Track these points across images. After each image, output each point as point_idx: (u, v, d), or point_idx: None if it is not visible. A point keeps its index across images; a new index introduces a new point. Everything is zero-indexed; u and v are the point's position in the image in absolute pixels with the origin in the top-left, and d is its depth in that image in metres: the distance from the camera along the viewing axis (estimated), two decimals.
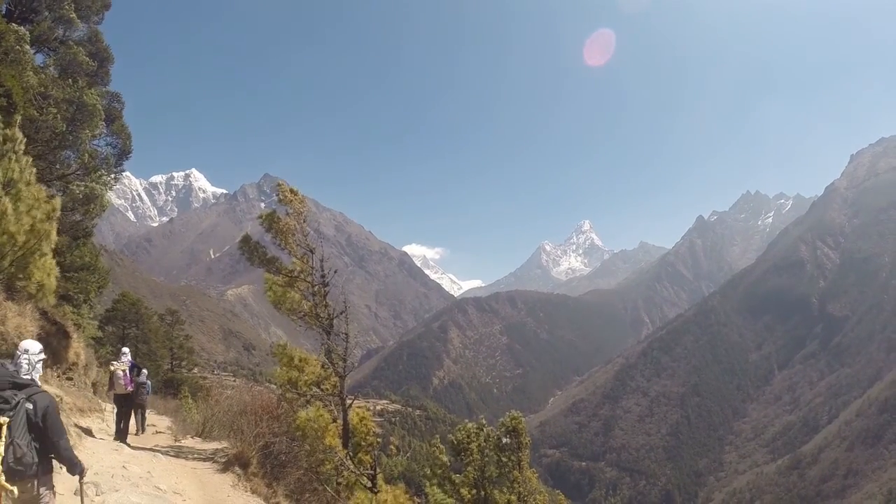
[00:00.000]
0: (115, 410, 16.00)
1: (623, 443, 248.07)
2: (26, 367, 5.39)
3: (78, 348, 17.56)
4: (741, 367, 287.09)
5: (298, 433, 14.25)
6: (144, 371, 17.57)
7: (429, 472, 20.53)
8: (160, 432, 19.27)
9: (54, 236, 12.82)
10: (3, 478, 4.75)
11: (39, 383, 5.41)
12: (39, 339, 12.76)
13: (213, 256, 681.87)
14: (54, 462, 5.29)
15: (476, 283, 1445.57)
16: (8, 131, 12.06)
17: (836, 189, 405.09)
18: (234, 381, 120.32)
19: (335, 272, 16.02)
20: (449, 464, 20.26)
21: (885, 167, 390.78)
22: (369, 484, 15.03)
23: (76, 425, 12.97)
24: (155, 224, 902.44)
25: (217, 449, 15.74)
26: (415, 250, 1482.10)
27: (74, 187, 20.51)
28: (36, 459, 5.02)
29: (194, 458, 14.81)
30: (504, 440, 19.98)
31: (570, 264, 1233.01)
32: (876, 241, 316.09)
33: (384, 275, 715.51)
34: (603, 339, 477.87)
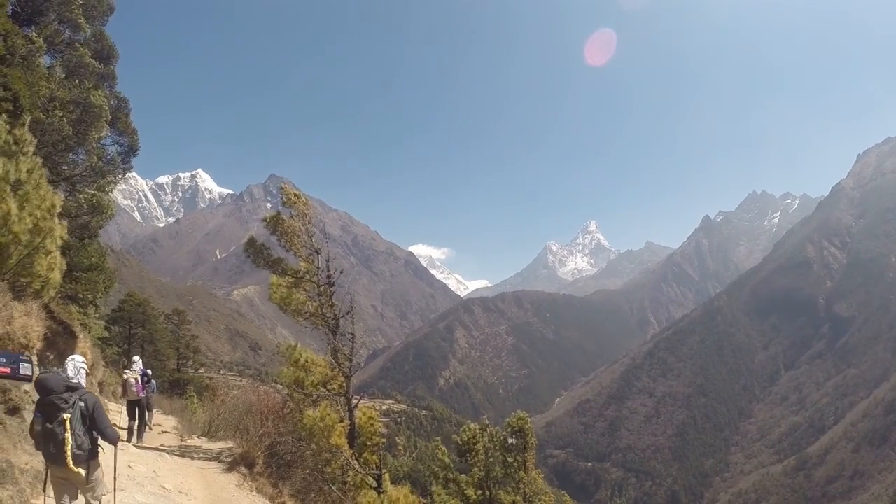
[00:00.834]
0: (127, 414, 16.76)
1: (629, 443, 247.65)
2: (73, 372, 7.42)
3: (84, 348, 17.61)
4: (747, 367, 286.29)
5: (305, 433, 14.29)
6: (150, 377, 18.23)
7: (435, 471, 20.56)
8: (166, 432, 19.34)
9: (59, 233, 12.83)
10: (71, 462, 6.62)
11: (85, 386, 7.36)
12: (45, 340, 12.86)
13: (219, 257, 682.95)
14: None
15: (482, 283, 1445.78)
16: (17, 132, 12.08)
17: (842, 189, 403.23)
18: (240, 381, 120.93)
19: (341, 272, 16.07)
20: (452, 465, 20.29)
21: (892, 167, 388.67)
22: (375, 484, 15.07)
23: None
24: (161, 224, 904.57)
25: (223, 449, 15.79)
26: (421, 250, 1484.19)
27: (82, 195, 20.59)
28: (90, 445, 6.89)
29: (200, 458, 14.86)
30: (510, 440, 20.00)
31: (576, 265, 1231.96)
32: (883, 241, 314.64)
33: (390, 275, 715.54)
34: (609, 339, 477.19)
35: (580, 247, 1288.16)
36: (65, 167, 20.54)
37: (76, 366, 7.53)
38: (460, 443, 20.15)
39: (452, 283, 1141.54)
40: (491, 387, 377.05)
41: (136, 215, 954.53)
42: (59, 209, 12.77)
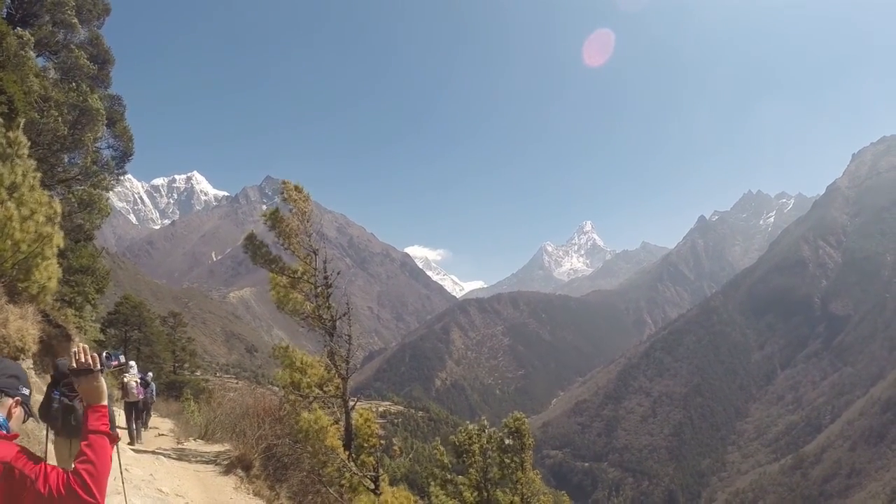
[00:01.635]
0: (125, 415, 16.91)
1: (626, 443, 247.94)
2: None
3: None
4: (744, 366, 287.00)
5: (301, 435, 14.24)
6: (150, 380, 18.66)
7: (433, 472, 20.53)
8: (163, 435, 19.27)
9: (57, 240, 12.80)
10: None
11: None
12: (41, 342, 12.81)
13: (214, 259, 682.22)
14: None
15: (478, 284, 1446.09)
16: (11, 134, 12.04)
17: (837, 188, 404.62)
18: (237, 383, 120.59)
19: (338, 274, 16.02)
20: (451, 465, 20.24)
21: (887, 166, 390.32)
22: (372, 486, 15.02)
23: None
24: (157, 227, 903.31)
25: (219, 451, 15.74)
26: (417, 252, 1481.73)
27: (75, 194, 20.53)
28: None
29: (197, 461, 14.81)
30: (507, 441, 19.95)
31: (572, 265, 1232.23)
32: (878, 240, 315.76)
33: (386, 276, 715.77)
34: (605, 339, 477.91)
35: (576, 247, 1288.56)
36: (59, 169, 20.49)
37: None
38: (457, 444, 20.10)
39: (448, 285, 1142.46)
40: (487, 388, 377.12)
41: (132, 218, 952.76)
42: (59, 217, 12.75)
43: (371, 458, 15.49)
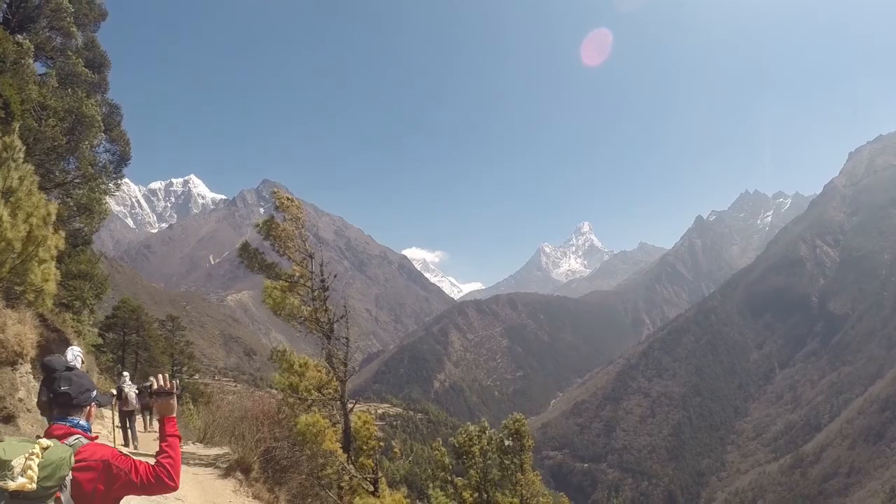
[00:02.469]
0: (120, 422, 17.67)
1: (625, 444, 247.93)
2: (71, 358, 9.42)
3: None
4: (742, 366, 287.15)
5: (299, 438, 14.25)
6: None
7: (433, 473, 20.53)
8: None
9: (54, 242, 12.81)
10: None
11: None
12: (39, 347, 12.84)
13: (212, 262, 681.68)
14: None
15: (476, 285, 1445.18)
16: (7, 139, 12.04)
17: (834, 187, 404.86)
18: (235, 386, 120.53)
19: (335, 277, 16.03)
20: (451, 467, 20.25)
21: (884, 164, 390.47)
22: (371, 488, 15.03)
23: None
24: (154, 230, 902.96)
25: (218, 454, 15.75)
26: (414, 254, 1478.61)
27: (73, 198, 20.54)
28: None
29: (196, 464, 14.81)
30: (507, 442, 19.96)
31: (569, 266, 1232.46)
32: (875, 239, 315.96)
33: (384, 279, 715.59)
34: (603, 340, 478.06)
35: (574, 248, 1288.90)
36: (57, 174, 20.49)
37: (74, 354, 10.28)
38: (457, 445, 20.11)
39: (446, 286, 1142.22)
40: (486, 389, 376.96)
41: (129, 221, 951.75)
42: (53, 218, 12.75)
43: (370, 461, 15.51)
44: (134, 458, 3.68)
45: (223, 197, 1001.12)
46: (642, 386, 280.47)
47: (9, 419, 9.63)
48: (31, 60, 18.70)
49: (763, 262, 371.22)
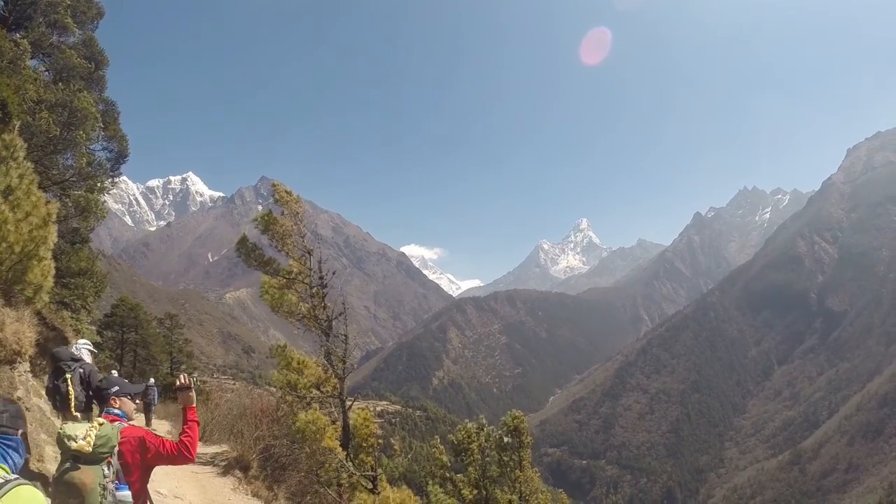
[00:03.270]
0: None
1: (624, 440, 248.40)
2: (76, 350, 10.39)
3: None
4: (741, 363, 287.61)
5: (298, 435, 14.22)
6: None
7: (432, 470, 20.50)
8: None
9: (52, 239, 12.76)
10: (73, 408, 9.30)
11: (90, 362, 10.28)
12: (38, 345, 12.80)
13: (210, 260, 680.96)
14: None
15: (474, 282, 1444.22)
16: (6, 136, 11.99)
17: (833, 184, 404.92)
18: (234, 384, 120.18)
19: (333, 273, 15.97)
20: (450, 464, 20.22)
21: (882, 161, 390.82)
22: (370, 485, 15.01)
23: None
24: (152, 228, 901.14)
25: (217, 452, 15.73)
26: (413, 251, 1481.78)
27: (71, 196, 20.45)
28: (84, 399, 9.49)
29: (194, 462, 14.78)
30: (506, 439, 19.93)
31: (568, 263, 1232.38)
32: (873, 235, 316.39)
33: (382, 276, 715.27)
34: (602, 337, 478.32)
35: (572, 245, 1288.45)
36: (54, 172, 20.40)
37: (79, 346, 10.81)
38: (456, 442, 20.07)
39: (445, 283, 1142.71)
40: (485, 386, 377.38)
41: (127, 219, 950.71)
42: (54, 217, 12.70)
43: (369, 458, 15.46)
44: (162, 437, 4.98)
45: (221, 194, 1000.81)
46: (641, 383, 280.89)
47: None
48: (28, 60, 18.62)
49: (761, 258, 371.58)
